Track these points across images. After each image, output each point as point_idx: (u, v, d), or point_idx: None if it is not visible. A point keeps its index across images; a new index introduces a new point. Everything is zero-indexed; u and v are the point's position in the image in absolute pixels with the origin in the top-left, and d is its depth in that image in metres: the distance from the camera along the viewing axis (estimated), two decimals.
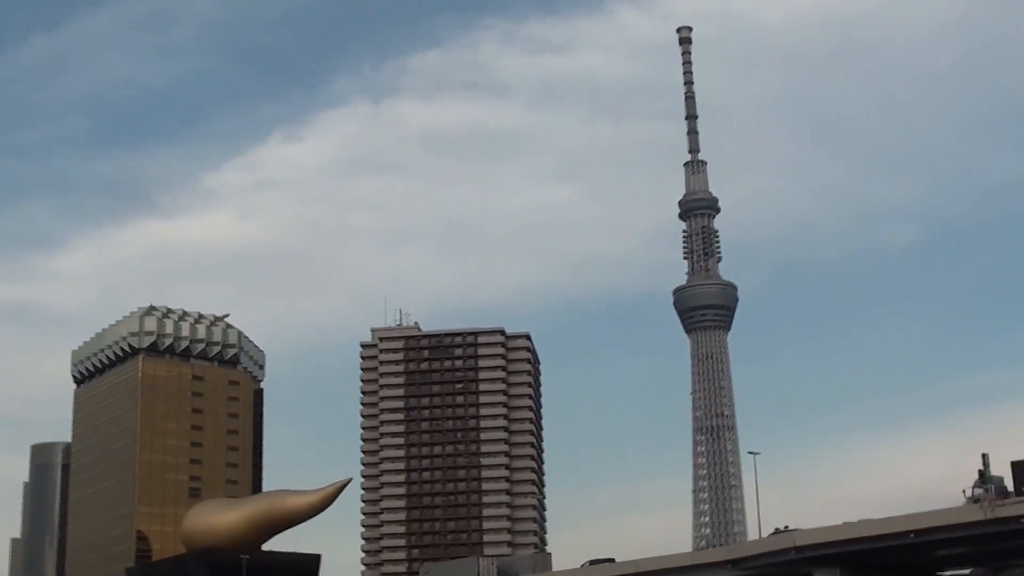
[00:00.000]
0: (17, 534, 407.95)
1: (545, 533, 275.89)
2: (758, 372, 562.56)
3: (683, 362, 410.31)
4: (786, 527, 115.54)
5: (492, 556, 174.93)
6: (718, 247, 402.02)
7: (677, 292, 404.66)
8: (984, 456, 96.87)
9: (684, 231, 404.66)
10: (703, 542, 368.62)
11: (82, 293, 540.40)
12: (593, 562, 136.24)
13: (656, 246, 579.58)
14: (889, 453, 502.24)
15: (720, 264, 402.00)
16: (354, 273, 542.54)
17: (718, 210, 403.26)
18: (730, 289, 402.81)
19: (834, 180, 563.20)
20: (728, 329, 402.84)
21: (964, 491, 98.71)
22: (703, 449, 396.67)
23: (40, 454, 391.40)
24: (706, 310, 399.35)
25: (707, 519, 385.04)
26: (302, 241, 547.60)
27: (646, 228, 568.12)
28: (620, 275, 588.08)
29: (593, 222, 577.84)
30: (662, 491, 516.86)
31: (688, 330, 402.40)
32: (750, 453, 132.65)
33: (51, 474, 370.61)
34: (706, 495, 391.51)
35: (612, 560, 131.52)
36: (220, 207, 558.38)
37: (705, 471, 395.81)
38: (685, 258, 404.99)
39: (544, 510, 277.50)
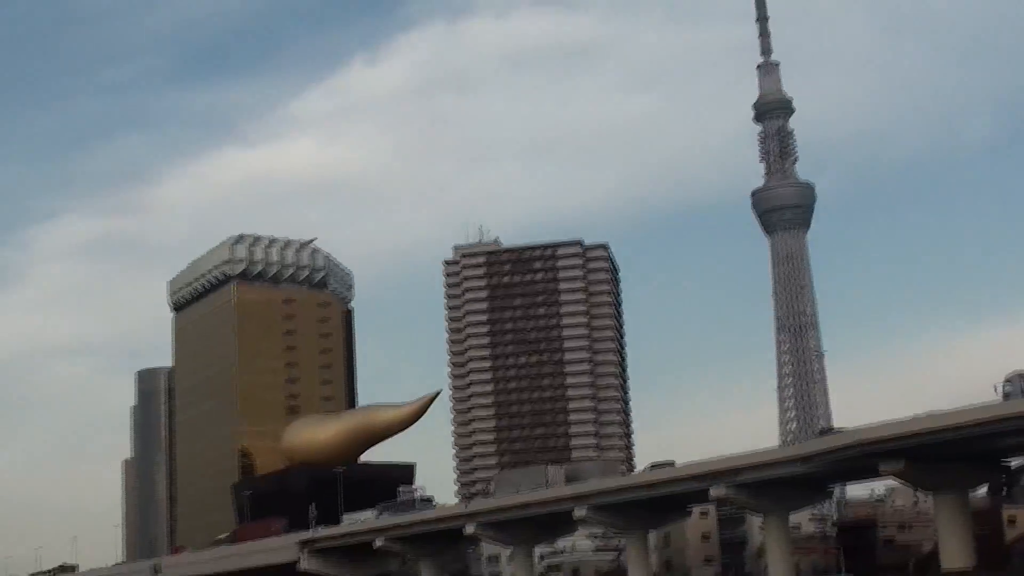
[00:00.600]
0: (128, 455, 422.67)
1: (631, 436, 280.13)
2: (838, 270, 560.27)
3: (763, 264, 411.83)
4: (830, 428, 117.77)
5: (563, 463, 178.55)
6: (794, 148, 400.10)
7: (755, 194, 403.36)
8: None
9: (759, 134, 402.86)
10: (790, 438, 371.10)
11: (178, 224, 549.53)
12: (654, 465, 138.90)
13: (732, 150, 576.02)
14: (966, 347, 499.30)
15: (796, 165, 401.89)
16: (437, 192, 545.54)
17: (792, 111, 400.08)
18: (807, 189, 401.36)
19: (910, 75, 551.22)
20: (807, 229, 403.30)
21: (995, 387, 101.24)
22: (786, 348, 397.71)
23: (145, 380, 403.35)
24: (784, 211, 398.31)
25: (792, 415, 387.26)
26: (386, 163, 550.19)
27: (722, 133, 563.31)
28: (698, 181, 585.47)
29: (669, 129, 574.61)
30: (746, 391, 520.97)
31: (767, 231, 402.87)
32: (820, 352, 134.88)
33: (156, 398, 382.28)
34: (791, 392, 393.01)
35: (672, 463, 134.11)
36: (305, 134, 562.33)
37: (789, 369, 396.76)
38: (761, 160, 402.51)
39: (629, 415, 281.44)
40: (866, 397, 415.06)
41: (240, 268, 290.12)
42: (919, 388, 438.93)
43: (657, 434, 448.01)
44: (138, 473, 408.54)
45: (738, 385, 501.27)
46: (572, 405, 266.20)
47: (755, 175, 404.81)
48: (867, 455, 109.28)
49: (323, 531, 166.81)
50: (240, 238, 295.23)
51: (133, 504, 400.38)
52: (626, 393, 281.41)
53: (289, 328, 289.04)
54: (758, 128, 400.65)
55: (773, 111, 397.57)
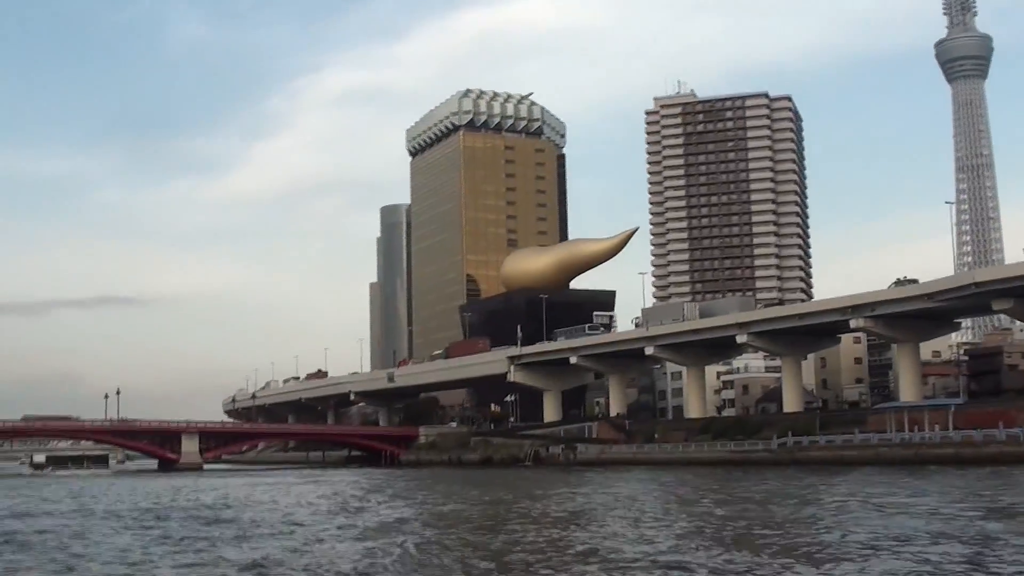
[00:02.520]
0: (374, 279, 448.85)
1: (809, 269, 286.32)
2: (1014, 116, 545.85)
3: (945, 110, 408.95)
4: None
5: (745, 292, 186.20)
6: (973, 2, 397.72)
7: (938, 45, 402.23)
8: None
9: None
10: (965, 269, 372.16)
11: (419, 77, 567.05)
12: (897, 282, 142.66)
13: (916, 3, 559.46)
14: None
15: (976, 18, 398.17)
16: (644, 46, 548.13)
17: None
18: (986, 40, 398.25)
19: None
20: (985, 77, 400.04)
21: None
22: (964, 187, 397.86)
23: (388, 214, 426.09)
24: (964, 60, 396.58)
25: (968, 248, 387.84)
26: (597, 19, 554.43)
27: None
28: (881, 32, 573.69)
29: None
30: (924, 226, 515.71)
31: (949, 80, 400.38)
32: (946, 203, 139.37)
33: (398, 230, 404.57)
34: (967, 227, 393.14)
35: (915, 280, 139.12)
36: None
37: (966, 206, 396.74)
38: (944, 13, 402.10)
39: (808, 249, 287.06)
40: None
41: (467, 119, 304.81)
42: None
43: (839, 266, 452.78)
44: (382, 295, 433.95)
45: (916, 221, 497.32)
46: (757, 241, 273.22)
47: (938, 27, 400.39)
48: (981, 294, 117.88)
49: (527, 348, 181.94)
50: (467, 92, 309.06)
51: (377, 321, 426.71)
52: (807, 229, 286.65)
53: (509, 171, 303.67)
54: None
55: None
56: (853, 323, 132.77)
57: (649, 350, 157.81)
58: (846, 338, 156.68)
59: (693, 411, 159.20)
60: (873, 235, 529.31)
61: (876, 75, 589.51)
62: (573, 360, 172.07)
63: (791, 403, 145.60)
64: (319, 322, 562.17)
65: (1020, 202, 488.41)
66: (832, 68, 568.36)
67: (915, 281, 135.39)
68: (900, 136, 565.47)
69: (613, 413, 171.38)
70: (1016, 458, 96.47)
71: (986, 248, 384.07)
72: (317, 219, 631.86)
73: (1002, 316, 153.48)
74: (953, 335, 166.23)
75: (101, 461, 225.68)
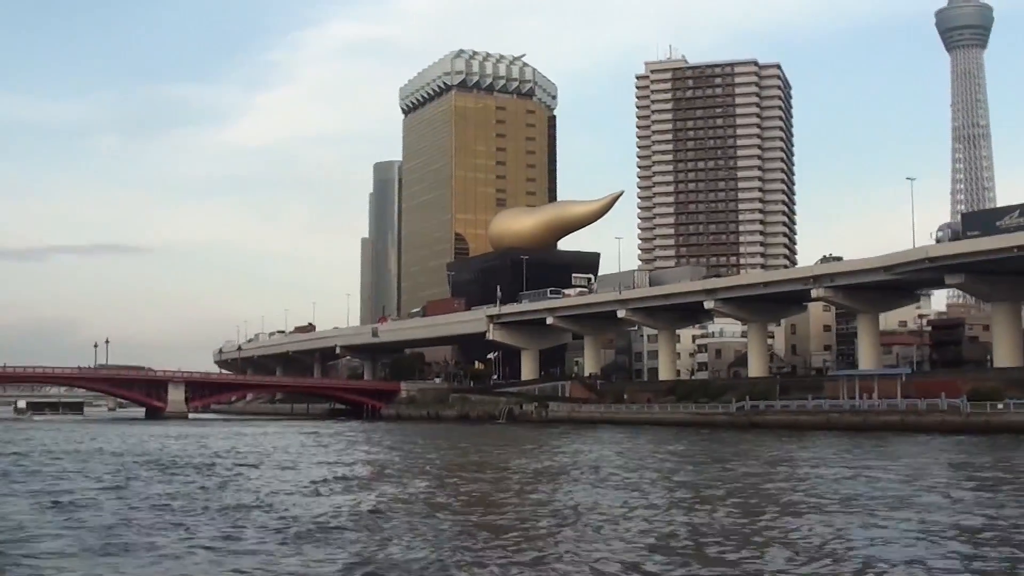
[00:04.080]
0: (366, 234, 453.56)
1: (794, 236, 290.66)
2: (1012, 85, 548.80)
3: (943, 79, 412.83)
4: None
5: (649, 269, 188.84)
6: None
7: (939, 14, 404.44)
8: None
9: None
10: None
11: (419, 32, 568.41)
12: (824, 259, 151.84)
13: None
14: None
15: None
16: (636, 9, 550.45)
17: None
18: (986, 10, 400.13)
19: None
20: (984, 47, 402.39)
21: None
22: (960, 156, 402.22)
23: (380, 171, 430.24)
24: (964, 30, 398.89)
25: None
26: None
27: None
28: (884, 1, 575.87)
29: None
30: (920, 195, 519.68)
31: (948, 49, 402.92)
32: (908, 179, 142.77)
33: (390, 187, 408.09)
34: (963, 196, 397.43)
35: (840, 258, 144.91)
36: None
37: (962, 175, 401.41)
38: None
39: (793, 215, 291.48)
40: None
41: (459, 79, 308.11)
42: None
43: (829, 234, 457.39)
44: (374, 250, 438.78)
45: (910, 190, 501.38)
46: (742, 207, 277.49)
47: None
48: (935, 268, 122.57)
49: (506, 308, 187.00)
50: (460, 52, 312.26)
51: (368, 276, 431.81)
52: (792, 196, 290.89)
53: (499, 132, 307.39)
54: None
55: None
56: (814, 292, 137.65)
57: (621, 313, 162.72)
58: (815, 306, 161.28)
59: (664, 373, 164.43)
60: (864, 203, 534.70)
61: (876, 43, 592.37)
62: (550, 320, 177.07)
63: (756, 368, 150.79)
64: (311, 275, 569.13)
65: (1016, 171, 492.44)
66: (833, 36, 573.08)
67: (839, 259, 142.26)
68: (896, 104, 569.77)
69: (587, 373, 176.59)
70: (954, 427, 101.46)
71: None
72: (314, 172, 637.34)
73: None
74: (931, 304, 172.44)
75: (76, 408, 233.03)
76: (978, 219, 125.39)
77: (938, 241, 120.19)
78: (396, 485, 50.80)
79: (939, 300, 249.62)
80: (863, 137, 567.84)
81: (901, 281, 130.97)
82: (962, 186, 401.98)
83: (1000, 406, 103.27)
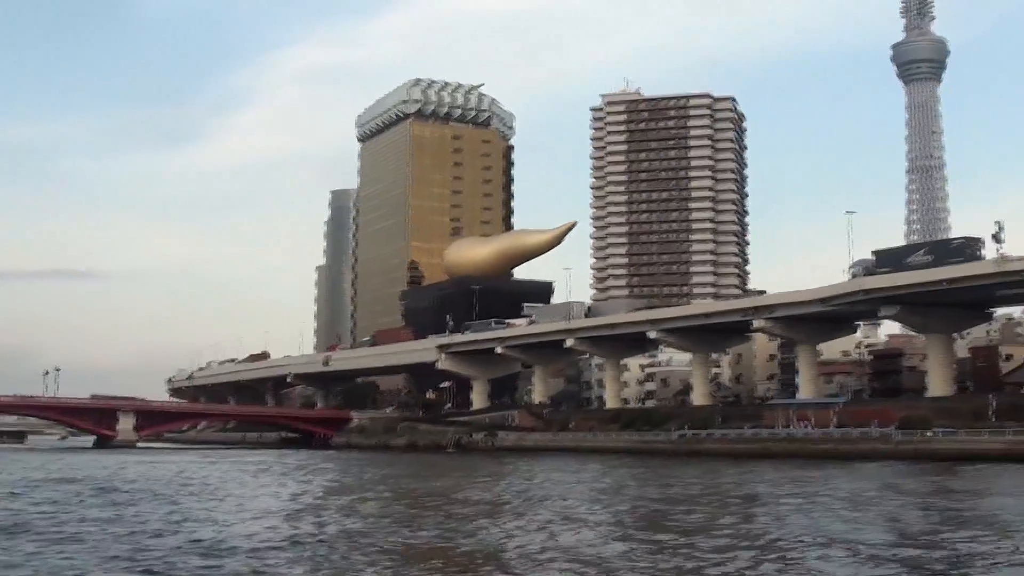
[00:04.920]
0: (322, 262, 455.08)
1: (746, 267, 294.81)
2: (967, 119, 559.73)
3: (898, 111, 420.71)
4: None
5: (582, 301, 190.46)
6: (931, 7, 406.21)
7: (895, 47, 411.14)
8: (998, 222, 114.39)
9: None
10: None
11: (382, 57, 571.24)
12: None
13: (874, 6, 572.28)
14: None
15: (933, 22, 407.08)
16: (595, 40, 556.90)
17: None
18: (942, 44, 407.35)
19: None
20: (940, 80, 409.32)
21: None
22: (915, 187, 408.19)
23: (337, 198, 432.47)
24: (920, 63, 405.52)
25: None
26: (557, 11, 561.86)
27: None
28: (840, 34, 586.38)
29: None
30: (873, 227, 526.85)
31: (905, 82, 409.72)
32: (846, 213, 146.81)
33: (345, 214, 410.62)
34: (917, 227, 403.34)
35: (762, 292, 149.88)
36: None
37: (917, 207, 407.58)
38: (902, 17, 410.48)
39: (746, 247, 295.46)
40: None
41: (416, 107, 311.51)
42: None
43: (779, 266, 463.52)
44: (329, 277, 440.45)
45: (865, 220, 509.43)
46: (694, 238, 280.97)
47: (895, 29, 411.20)
48: (870, 300, 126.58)
49: (456, 337, 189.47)
50: (417, 81, 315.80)
51: (324, 304, 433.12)
52: (745, 227, 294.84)
53: (456, 160, 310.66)
54: None
55: None
56: (755, 324, 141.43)
57: (569, 342, 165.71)
58: (760, 336, 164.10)
59: (610, 402, 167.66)
60: (817, 234, 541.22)
61: (834, 76, 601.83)
62: (499, 350, 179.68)
63: (699, 396, 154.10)
64: (267, 301, 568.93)
65: (970, 204, 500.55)
66: (791, 67, 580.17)
67: (761, 294, 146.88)
68: (852, 136, 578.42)
69: (536, 402, 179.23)
70: (885, 455, 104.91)
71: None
72: (272, 198, 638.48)
73: None
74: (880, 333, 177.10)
75: (18, 437, 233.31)
76: (889, 256, 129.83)
77: (852, 277, 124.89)
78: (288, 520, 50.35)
79: (890, 328, 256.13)
80: (818, 169, 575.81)
81: (838, 313, 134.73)
82: (917, 216, 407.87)
83: (928, 434, 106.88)
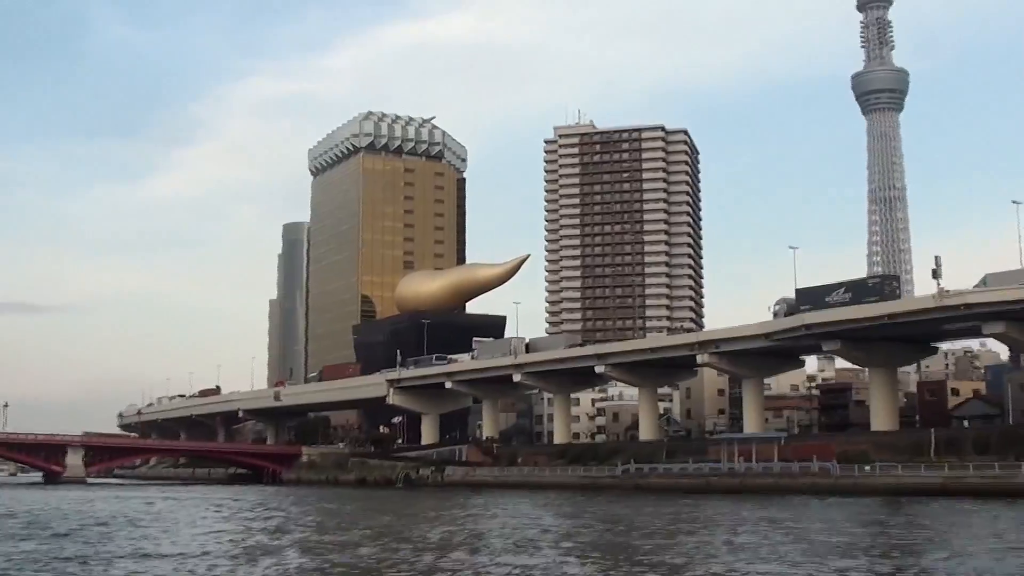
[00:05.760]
0: (275, 295, 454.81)
1: (701, 299, 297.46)
2: (927, 149, 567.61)
3: (859, 142, 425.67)
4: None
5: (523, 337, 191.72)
6: (891, 37, 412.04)
7: (855, 77, 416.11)
8: (937, 257, 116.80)
9: (861, 22, 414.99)
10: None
11: (337, 90, 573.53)
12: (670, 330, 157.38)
13: (833, 37, 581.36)
14: None
15: (893, 52, 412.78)
16: (548, 73, 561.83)
17: (891, 2, 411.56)
18: (902, 74, 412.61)
19: None
20: (900, 110, 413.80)
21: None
22: (876, 218, 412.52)
23: (290, 231, 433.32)
24: (880, 93, 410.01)
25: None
26: (513, 43, 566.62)
27: (824, 20, 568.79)
28: (799, 64, 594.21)
29: (771, 14, 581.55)
30: (834, 259, 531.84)
31: (865, 112, 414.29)
32: (791, 248, 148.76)
33: (298, 248, 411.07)
34: (879, 259, 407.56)
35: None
36: (463, 8, 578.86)
37: (878, 238, 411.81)
38: (862, 46, 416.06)
39: (700, 279, 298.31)
40: (948, 269, 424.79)
41: (368, 141, 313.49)
42: (1000, 260, 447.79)
43: (733, 298, 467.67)
44: (281, 311, 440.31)
45: (824, 253, 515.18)
46: (648, 271, 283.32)
47: (855, 60, 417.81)
48: (812, 335, 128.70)
49: (405, 372, 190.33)
50: (368, 114, 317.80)
51: (276, 338, 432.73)
52: (699, 260, 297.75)
53: (408, 194, 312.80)
54: (860, 17, 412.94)
55: (874, 1, 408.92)
56: (700, 358, 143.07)
57: (517, 377, 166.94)
58: (710, 371, 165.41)
59: (559, 436, 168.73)
60: (773, 267, 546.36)
61: (793, 107, 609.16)
62: (448, 385, 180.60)
63: (647, 431, 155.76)
64: (219, 336, 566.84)
65: (931, 234, 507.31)
66: (748, 100, 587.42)
67: (692, 329, 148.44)
68: (813, 168, 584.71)
69: (485, 437, 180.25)
70: (824, 489, 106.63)
71: (898, 280, 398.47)
72: (224, 231, 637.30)
73: None
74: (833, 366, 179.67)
75: None
76: (810, 295, 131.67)
77: (775, 315, 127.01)
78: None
79: (842, 363, 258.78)
80: (777, 201, 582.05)
81: (782, 348, 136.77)
82: (879, 247, 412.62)
83: (868, 469, 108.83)
